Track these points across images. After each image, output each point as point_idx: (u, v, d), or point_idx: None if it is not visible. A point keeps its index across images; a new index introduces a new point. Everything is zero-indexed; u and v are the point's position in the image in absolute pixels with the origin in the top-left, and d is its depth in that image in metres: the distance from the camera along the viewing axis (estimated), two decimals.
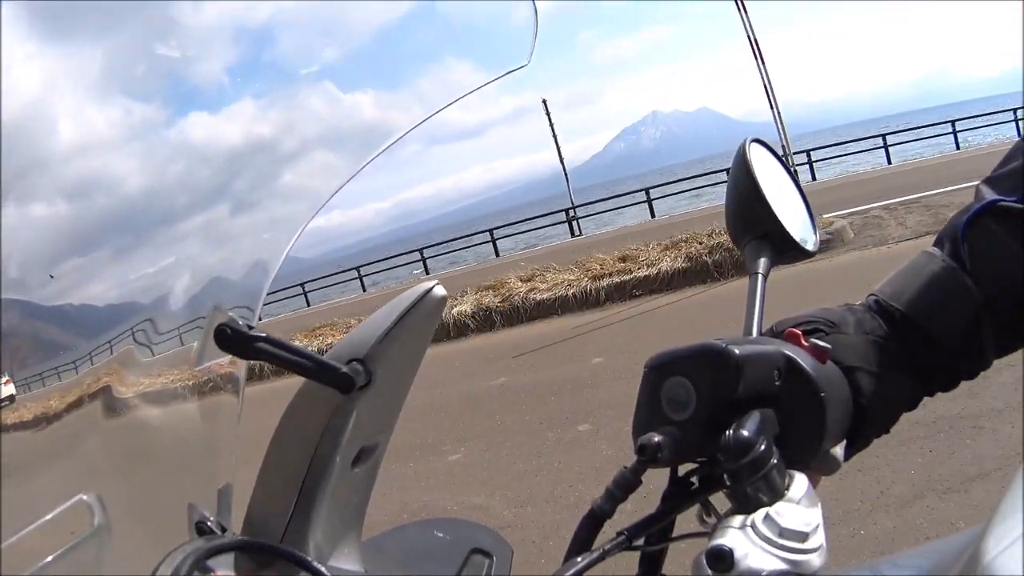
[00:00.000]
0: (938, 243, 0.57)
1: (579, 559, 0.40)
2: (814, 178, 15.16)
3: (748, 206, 0.60)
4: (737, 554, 0.36)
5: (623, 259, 8.11)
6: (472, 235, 19.49)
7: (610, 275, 7.79)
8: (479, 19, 0.69)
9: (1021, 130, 16.10)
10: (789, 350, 0.47)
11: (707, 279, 7.11)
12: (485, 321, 7.95)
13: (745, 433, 0.41)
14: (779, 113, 7.65)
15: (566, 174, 16.90)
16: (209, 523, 0.48)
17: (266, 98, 0.58)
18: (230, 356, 0.49)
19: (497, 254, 17.46)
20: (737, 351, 0.44)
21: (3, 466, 0.45)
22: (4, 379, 0.48)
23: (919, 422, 2.79)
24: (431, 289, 0.48)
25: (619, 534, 0.42)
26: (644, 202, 17.41)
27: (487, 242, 18.57)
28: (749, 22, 7.46)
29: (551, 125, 16.92)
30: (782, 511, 0.39)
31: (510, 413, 4.55)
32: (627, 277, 7.60)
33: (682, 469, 0.46)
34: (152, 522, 0.54)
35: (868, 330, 0.54)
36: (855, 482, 2.55)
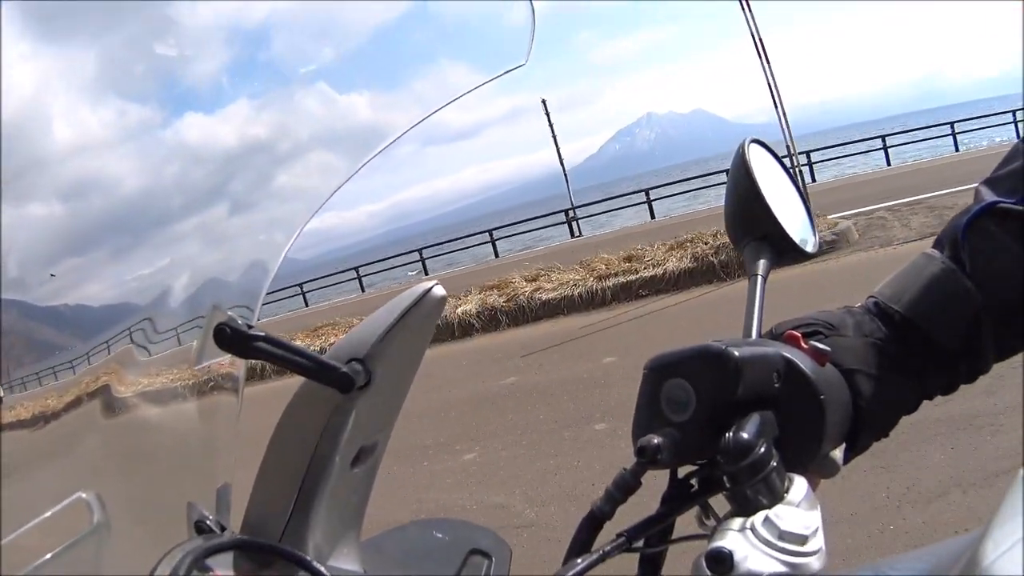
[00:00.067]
0: (937, 245, 0.57)
1: (578, 560, 0.40)
2: (813, 179, 15.21)
3: (747, 207, 0.60)
4: (736, 556, 0.36)
5: (628, 259, 8.10)
6: (471, 236, 19.47)
7: (615, 275, 7.79)
8: (476, 19, 0.69)
9: (1020, 132, 16.23)
10: (789, 352, 0.47)
11: (713, 279, 7.11)
12: (490, 321, 7.93)
13: (745, 435, 0.41)
14: (784, 113, 7.66)
15: (565, 174, 16.90)
16: (208, 522, 0.48)
17: (264, 99, 0.57)
18: (229, 355, 0.48)
19: (496, 255, 17.44)
20: (737, 353, 0.44)
21: (3, 464, 0.45)
22: None
23: (939, 420, 2.82)
24: (431, 289, 0.48)
25: (619, 536, 0.42)
26: (642, 203, 17.42)
27: (486, 243, 18.55)
28: (754, 21, 7.47)
29: (551, 125, 16.92)
30: (781, 514, 0.39)
31: (523, 412, 4.53)
32: (633, 277, 7.59)
33: (682, 471, 0.46)
34: (151, 521, 0.54)
35: (867, 332, 0.54)
36: (881, 479, 2.58)
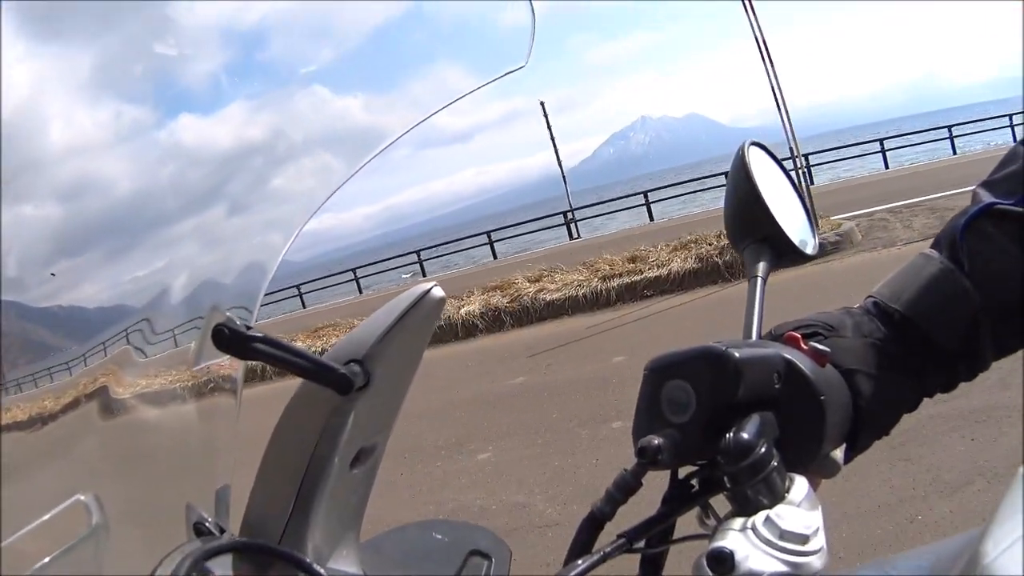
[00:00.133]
0: (936, 245, 0.57)
1: (579, 562, 0.40)
2: (811, 182, 15.30)
3: (747, 209, 0.60)
4: (738, 556, 0.36)
5: (632, 260, 8.11)
6: (470, 237, 19.46)
7: (620, 275, 7.79)
8: (476, 20, 0.68)
9: (1017, 135, 16.36)
10: (789, 353, 0.47)
11: (718, 279, 7.12)
12: (494, 321, 7.92)
13: (745, 436, 0.41)
14: (787, 114, 7.68)
15: (564, 176, 16.93)
16: (207, 524, 0.48)
17: (264, 100, 0.57)
18: (228, 356, 0.48)
19: (495, 256, 17.44)
20: (737, 354, 0.44)
21: (1, 467, 0.45)
22: None
23: (957, 413, 2.85)
24: (429, 290, 0.48)
25: (619, 536, 0.42)
26: (639, 206, 17.48)
27: (484, 244, 18.54)
28: (757, 23, 7.49)
29: (549, 127, 16.96)
30: (782, 513, 0.39)
31: (535, 411, 4.51)
32: (637, 278, 7.60)
33: (682, 472, 0.46)
34: (150, 523, 0.54)
35: (866, 333, 0.54)
36: (906, 470, 2.62)
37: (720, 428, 0.43)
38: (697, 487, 0.46)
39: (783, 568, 0.37)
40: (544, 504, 3.14)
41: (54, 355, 0.48)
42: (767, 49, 7.54)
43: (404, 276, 19.01)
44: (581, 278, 8.00)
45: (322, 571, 0.43)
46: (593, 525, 0.45)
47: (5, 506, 0.42)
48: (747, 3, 7.50)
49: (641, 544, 0.44)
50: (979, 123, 19.06)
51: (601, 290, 7.62)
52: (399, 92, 0.63)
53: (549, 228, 18.67)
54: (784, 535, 0.38)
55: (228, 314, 0.44)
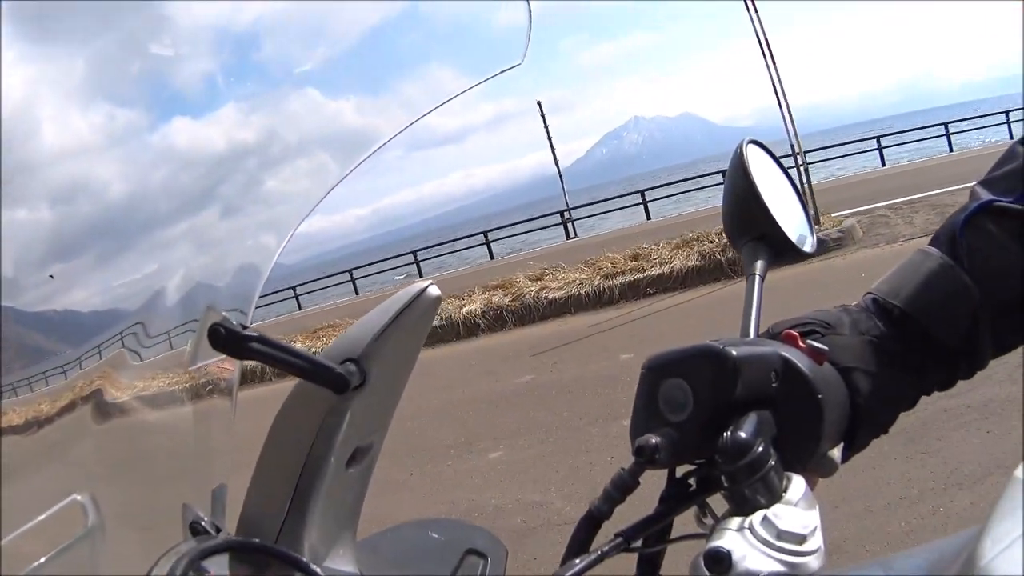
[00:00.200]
0: (935, 242, 0.57)
1: (577, 561, 0.40)
2: (809, 180, 15.33)
3: (745, 207, 0.60)
4: (735, 556, 0.36)
5: (634, 257, 8.10)
6: (466, 237, 19.42)
7: (622, 273, 7.77)
8: (472, 19, 0.68)
9: (1013, 133, 16.52)
10: (786, 352, 0.47)
11: (721, 277, 7.11)
12: (496, 320, 7.88)
13: (743, 435, 0.41)
14: (790, 112, 7.68)
15: (561, 176, 16.94)
16: (203, 523, 0.48)
17: (257, 102, 0.57)
18: (224, 356, 0.48)
19: (492, 256, 17.40)
20: (734, 353, 0.44)
21: (1, 467, 0.45)
22: None
23: (969, 407, 2.88)
24: (425, 289, 0.48)
25: (617, 536, 0.41)
26: (634, 205, 17.52)
27: (478, 245, 18.51)
28: (760, 21, 7.49)
29: (546, 127, 16.96)
30: (780, 513, 0.39)
31: (544, 410, 4.47)
32: (640, 275, 7.58)
33: (680, 471, 0.46)
34: (146, 522, 0.54)
35: (864, 330, 0.54)
36: (924, 463, 2.65)
37: (718, 427, 0.42)
38: (695, 486, 0.45)
39: (780, 568, 0.37)
40: (561, 502, 3.11)
41: (51, 358, 0.48)
42: (769, 48, 7.53)
43: (397, 278, 18.94)
44: (583, 276, 7.98)
45: (318, 570, 0.43)
46: (591, 524, 0.45)
47: (2, 506, 0.41)
48: (749, 3, 7.49)
49: (639, 543, 0.44)
50: (973, 120, 19.18)
51: (604, 288, 7.59)
52: (394, 91, 0.63)
53: (544, 228, 18.67)
54: (781, 535, 0.38)
55: (224, 314, 0.43)
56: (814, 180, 8.54)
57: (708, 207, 14.17)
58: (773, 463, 0.42)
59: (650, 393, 0.45)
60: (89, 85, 0.49)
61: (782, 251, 0.60)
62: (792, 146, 7.91)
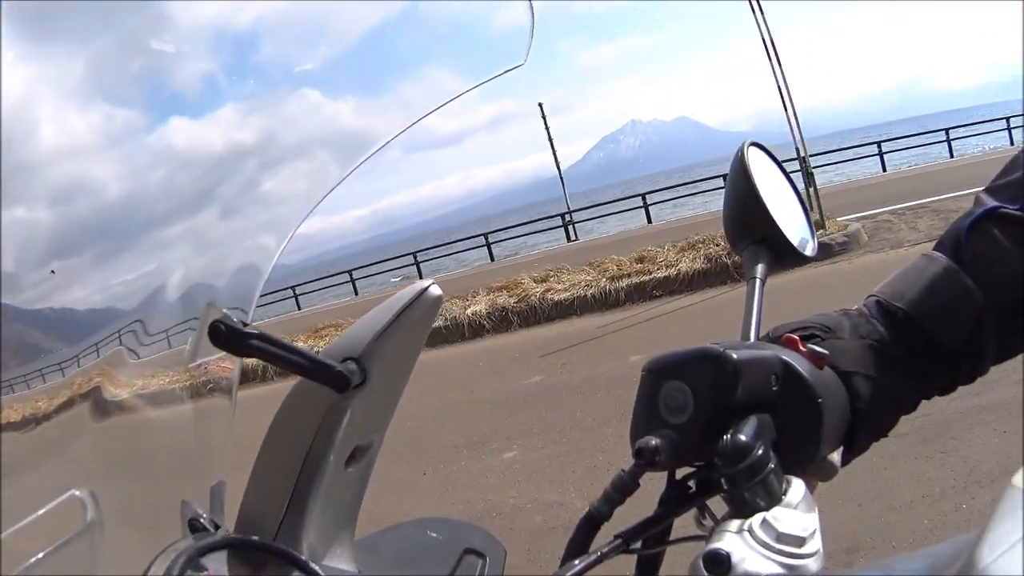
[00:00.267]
0: (939, 247, 0.57)
1: (576, 562, 0.40)
2: (807, 185, 15.36)
3: (746, 210, 0.60)
4: (734, 558, 0.36)
5: (640, 260, 8.10)
6: (466, 239, 19.39)
7: (628, 276, 7.77)
8: (475, 19, 0.68)
9: (1014, 139, 16.59)
10: (787, 355, 0.47)
11: (727, 279, 7.11)
12: (501, 321, 7.87)
13: (742, 438, 0.41)
14: (796, 115, 7.71)
15: (562, 178, 16.97)
16: (202, 520, 0.48)
17: (259, 102, 0.57)
18: (224, 353, 0.48)
19: (492, 258, 17.39)
20: (735, 356, 0.44)
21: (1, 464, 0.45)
22: None
23: (985, 407, 2.90)
24: (427, 288, 0.48)
25: (616, 537, 0.42)
26: (632, 209, 17.56)
27: (477, 247, 18.51)
28: (766, 24, 7.51)
29: (547, 129, 17.00)
30: (779, 516, 0.39)
31: (556, 410, 4.45)
32: (646, 278, 7.58)
33: (680, 473, 0.46)
34: (145, 519, 0.54)
35: (864, 334, 0.54)
36: (944, 462, 2.67)
37: (718, 429, 0.42)
38: (694, 488, 0.45)
39: (779, 570, 0.37)
40: (581, 502, 3.09)
41: (51, 355, 0.48)
42: (775, 50, 7.56)
43: (393, 280, 18.91)
44: (589, 278, 7.97)
45: (317, 569, 0.43)
46: (590, 525, 0.45)
47: (1, 502, 0.41)
48: (755, 5, 7.51)
49: (638, 545, 0.44)
50: (972, 126, 19.26)
51: (610, 290, 7.59)
52: (397, 91, 0.63)
53: (544, 231, 18.69)
54: (781, 537, 0.38)
55: (225, 311, 0.43)
56: (817, 185, 8.55)
57: (706, 211, 14.19)
58: (773, 466, 0.42)
59: (650, 395, 0.45)
60: (89, 85, 0.49)
61: (783, 254, 0.60)
62: (797, 150, 7.94)
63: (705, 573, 0.36)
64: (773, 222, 0.59)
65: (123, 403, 0.53)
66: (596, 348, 5.90)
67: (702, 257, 7.48)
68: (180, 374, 0.55)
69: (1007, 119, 17.60)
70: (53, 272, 0.46)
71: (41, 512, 0.46)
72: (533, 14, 0.59)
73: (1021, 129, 16.00)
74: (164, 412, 0.57)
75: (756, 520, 0.38)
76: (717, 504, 0.43)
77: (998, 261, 0.53)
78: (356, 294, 18.55)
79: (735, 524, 0.39)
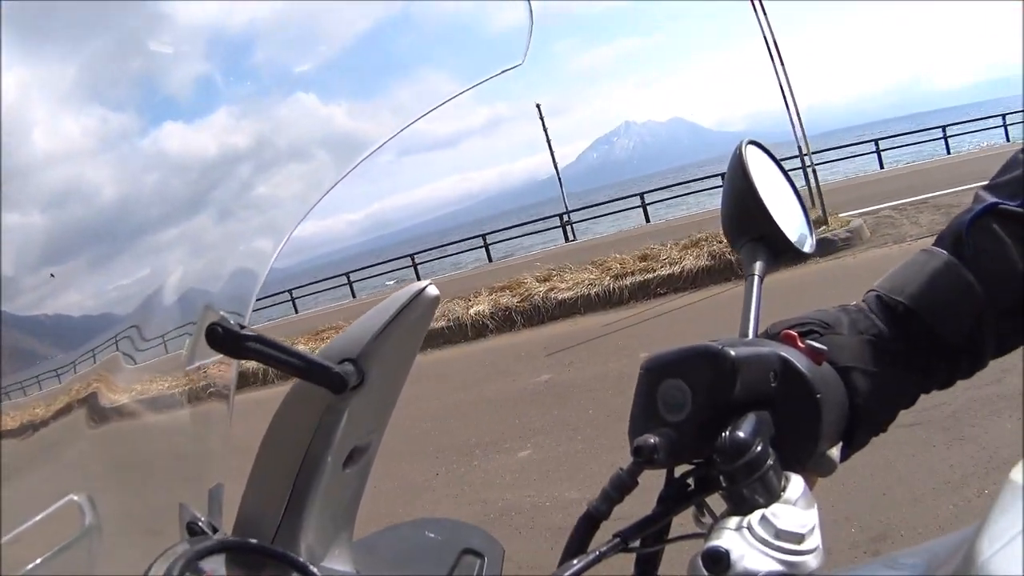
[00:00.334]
0: (939, 242, 0.57)
1: (575, 561, 0.40)
2: (807, 182, 15.41)
3: (744, 208, 0.60)
4: (733, 555, 0.36)
5: (643, 258, 8.09)
6: (463, 240, 19.37)
7: (632, 274, 7.76)
8: (473, 19, 0.69)
9: (1010, 136, 16.68)
10: (785, 352, 0.47)
11: (732, 276, 7.10)
12: (505, 321, 7.84)
13: (741, 435, 0.41)
14: (798, 113, 7.71)
15: (560, 179, 16.98)
16: (200, 523, 0.48)
17: (256, 104, 0.57)
18: (221, 355, 0.48)
19: (490, 259, 17.36)
20: (733, 353, 0.44)
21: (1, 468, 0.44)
22: None
23: (1001, 396, 2.92)
24: (424, 289, 0.48)
25: (615, 536, 0.41)
26: (632, 208, 17.57)
27: (473, 249, 18.50)
28: (767, 21, 7.51)
29: (545, 130, 17.01)
30: (778, 512, 0.38)
31: (567, 408, 4.42)
32: (650, 276, 7.57)
33: (678, 471, 0.46)
34: (143, 523, 0.54)
35: (862, 329, 0.54)
36: (963, 450, 2.70)
37: (716, 427, 0.42)
38: (693, 486, 0.45)
39: (778, 567, 0.37)
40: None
41: (49, 361, 0.48)
42: (778, 48, 7.56)
43: (388, 283, 18.89)
44: (592, 277, 7.96)
45: (315, 570, 0.43)
46: (589, 524, 0.45)
47: (1, 508, 0.41)
48: (757, 5, 7.51)
49: (637, 543, 0.44)
50: (968, 124, 19.37)
51: (614, 288, 7.58)
52: (395, 91, 0.63)
53: (541, 232, 18.69)
54: (780, 534, 0.38)
55: (222, 314, 0.43)
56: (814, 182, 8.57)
57: (702, 210, 14.20)
58: (771, 463, 0.41)
59: (649, 393, 0.45)
60: (83, 89, 0.49)
61: (781, 252, 0.60)
62: (799, 147, 7.94)
63: (704, 571, 0.36)
64: (771, 219, 0.59)
65: (121, 407, 0.53)
66: (603, 346, 5.88)
67: (706, 254, 7.47)
68: (177, 377, 0.54)
69: (1003, 116, 17.71)
70: (53, 276, 0.45)
71: (40, 517, 0.45)
72: (532, 14, 0.59)
73: (1020, 126, 16.10)
74: (162, 415, 0.57)
75: (755, 517, 0.38)
76: (716, 501, 0.43)
77: (998, 256, 0.53)
78: (353, 297, 18.49)
79: (734, 521, 0.39)
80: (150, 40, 0.50)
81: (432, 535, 0.60)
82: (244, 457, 0.51)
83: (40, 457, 0.49)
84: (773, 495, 0.41)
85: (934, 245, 0.57)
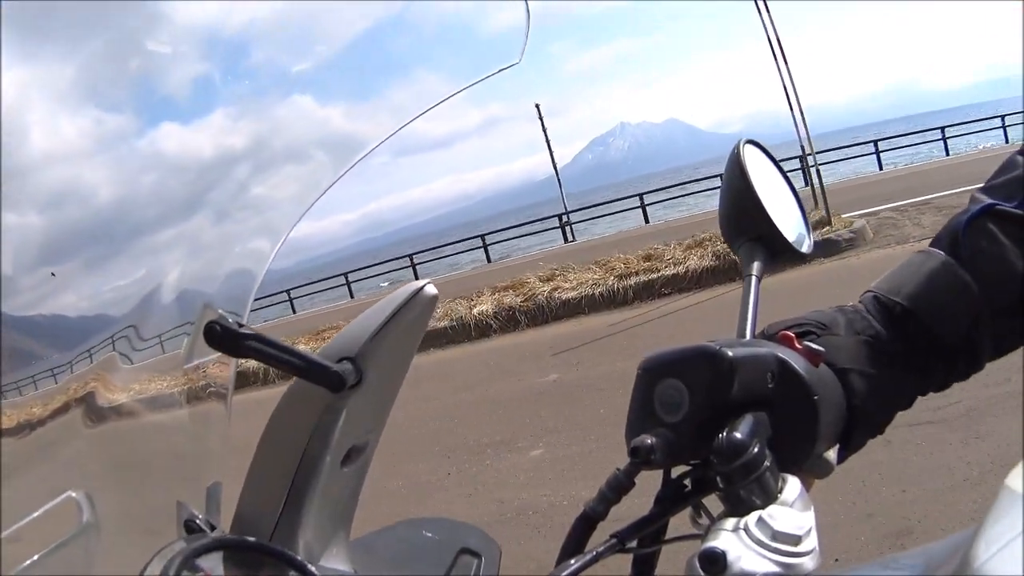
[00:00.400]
0: (936, 243, 0.57)
1: (572, 561, 0.40)
2: (806, 183, 15.47)
3: (742, 208, 0.60)
4: (730, 556, 0.36)
5: (647, 258, 8.10)
6: (465, 240, 19.35)
7: (636, 274, 7.76)
8: (470, 19, 0.69)
9: (1009, 137, 16.77)
10: (782, 353, 0.47)
11: (736, 277, 7.06)
12: (508, 321, 7.83)
13: (738, 436, 0.41)
14: (802, 113, 7.73)
15: (559, 179, 16.99)
16: (198, 521, 0.48)
17: (253, 104, 0.57)
18: (220, 354, 0.47)
19: (489, 260, 17.35)
20: (730, 353, 0.44)
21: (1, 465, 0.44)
22: None
23: (1012, 394, 2.90)
24: (422, 288, 0.48)
25: (612, 536, 0.41)
26: (631, 209, 17.60)
27: (475, 248, 18.48)
28: (771, 21, 7.53)
29: (544, 130, 17.04)
30: (775, 514, 0.38)
31: (578, 407, 4.40)
32: (654, 276, 7.57)
33: (675, 471, 0.46)
34: (141, 520, 0.54)
35: (859, 330, 0.54)
36: (980, 446, 2.73)
37: (713, 428, 0.42)
38: (690, 487, 0.45)
39: (775, 568, 0.37)
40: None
41: (48, 360, 0.48)
42: (781, 47, 7.58)
43: (383, 285, 18.87)
44: (596, 277, 7.95)
45: (313, 569, 0.43)
46: (586, 525, 0.45)
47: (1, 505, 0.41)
48: (761, 5, 7.53)
49: (633, 544, 0.43)
50: (966, 125, 19.45)
51: (618, 288, 7.57)
52: (392, 91, 0.63)
53: (538, 232, 18.71)
54: (776, 536, 0.37)
55: (220, 312, 0.43)
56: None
57: (699, 211, 14.22)
58: (768, 464, 0.41)
59: (646, 394, 0.45)
60: (80, 89, 0.49)
61: (779, 252, 0.59)
62: (803, 148, 7.96)
63: (701, 572, 0.36)
64: (769, 219, 0.58)
65: (120, 405, 0.53)
66: (610, 346, 5.87)
67: (710, 254, 7.48)
68: (176, 376, 0.54)
69: (1002, 117, 17.80)
70: (54, 275, 0.45)
71: (38, 514, 0.46)
72: (528, 14, 0.59)
73: (1019, 127, 16.17)
74: (160, 414, 0.57)
75: (752, 518, 0.38)
76: (713, 503, 0.43)
77: (995, 257, 0.54)
78: (352, 297, 18.45)
79: (731, 522, 0.39)
80: (148, 40, 0.50)
81: (429, 535, 0.60)
82: (242, 456, 0.50)
83: (39, 454, 0.49)
84: (770, 496, 0.41)
85: (931, 246, 0.58)
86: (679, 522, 0.45)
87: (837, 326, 0.54)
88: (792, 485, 0.42)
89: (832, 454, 0.51)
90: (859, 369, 0.52)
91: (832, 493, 2.54)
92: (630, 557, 0.45)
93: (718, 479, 0.42)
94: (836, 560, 2.23)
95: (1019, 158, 0.57)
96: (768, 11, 7.47)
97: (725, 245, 5.54)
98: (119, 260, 0.52)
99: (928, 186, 9.60)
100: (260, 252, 0.53)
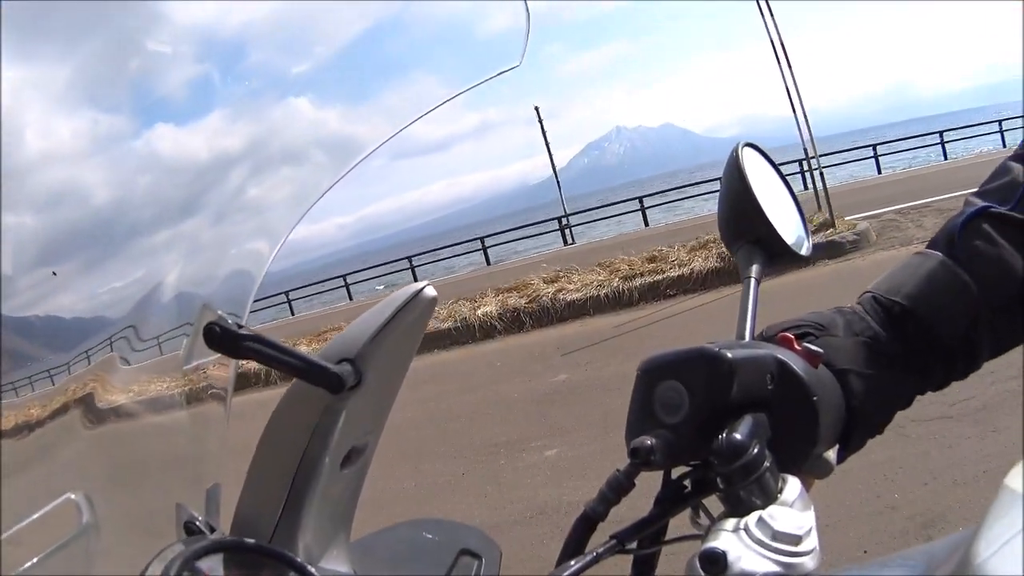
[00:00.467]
0: (933, 245, 0.58)
1: (572, 562, 0.40)
2: (806, 187, 15.53)
3: (741, 210, 0.60)
4: (730, 557, 0.36)
5: (652, 259, 8.12)
6: (464, 243, 19.34)
7: (641, 275, 7.77)
8: (469, 21, 0.69)
9: (1007, 142, 16.90)
10: (782, 354, 0.48)
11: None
12: (513, 322, 7.83)
13: (738, 437, 0.41)
14: (806, 115, 7.76)
15: (558, 182, 17.03)
16: (197, 523, 0.48)
17: (250, 106, 0.57)
18: (219, 355, 0.48)
19: (488, 262, 17.34)
20: (730, 355, 0.44)
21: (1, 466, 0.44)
22: None
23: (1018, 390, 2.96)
24: (422, 289, 0.48)
25: (612, 537, 0.42)
26: (630, 212, 17.64)
27: (475, 251, 18.47)
28: (774, 22, 7.56)
29: (544, 133, 17.07)
30: (775, 514, 0.39)
31: (590, 407, 4.40)
32: (659, 277, 7.59)
33: (675, 472, 0.47)
34: (141, 522, 0.54)
35: (858, 331, 0.54)
36: (996, 440, 2.79)
37: (713, 429, 0.43)
38: (690, 488, 0.45)
39: (775, 568, 0.37)
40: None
41: (42, 363, 0.48)
42: (785, 50, 7.62)
43: (378, 287, 18.85)
44: (601, 278, 7.96)
45: (313, 570, 0.43)
46: (586, 525, 0.45)
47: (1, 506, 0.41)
48: (763, 7, 7.57)
49: (633, 545, 0.44)
50: (964, 130, 19.58)
51: (623, 290, 7.58)
52: (391, 94, 0.63)
53: (536, 236, 18.72)
54: (777, 536, 0.38)
55: (220, 313, 0.43)
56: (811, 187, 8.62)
57: (699, 215, 14.27)
58: (768, 465, 0.42)
59: (646, 395, 0.45)
60: (78, 91, 0.49)
61: (778, 254, 0.60)
62: (806, 151, 8.00)
63: (701, 572, 0.36)
64: (768, 222, 0.59)
65: (119, 407, 0.53)
66: (617, 346, 5.87)
67: (715, 256, 7.51)
68: (175, 377, 0.54)
69: (1000, 122, 17.94)
70: (55, 274, 0.45)
71: (37, 515, 0.45)
72: (529, 16, 0.59)
73: (1017, 131, 16.29)
74: (159, 415, 0.56)
75: (752, 519, 0.38)
76: (713, 503, 0.43)
77: (991, 257, 0.54)
78: (351, 299, 18.41)
79: (731, 523, 0.39)
80: (147, 41, 0.50)
81: (429, 536, 0.60)
82: (242, 457, 0.50)
83: (39, 456, 0.49)
84: (770, 497, 0.41)
85: (927, 248, 0.58)
86: (679, 523, 0.45)
87: (836, 327, 0.54)
88: (792, 485, 0.42)
89: (832, 454, 0.51)
90: (858, 370, 0.52)
91: (856, 487, 2.56)
92: (630, 558, 0.46)
93: (718, 480, 0.42)
94: (865, 551, 2.24)
95: (1012, 163, 0.57)
96: (771, 12, 7.51)
97: None
98: (118, 261, 0.52)
99: (927, 189, 9.65)
100: (259, 254, 0.53)
